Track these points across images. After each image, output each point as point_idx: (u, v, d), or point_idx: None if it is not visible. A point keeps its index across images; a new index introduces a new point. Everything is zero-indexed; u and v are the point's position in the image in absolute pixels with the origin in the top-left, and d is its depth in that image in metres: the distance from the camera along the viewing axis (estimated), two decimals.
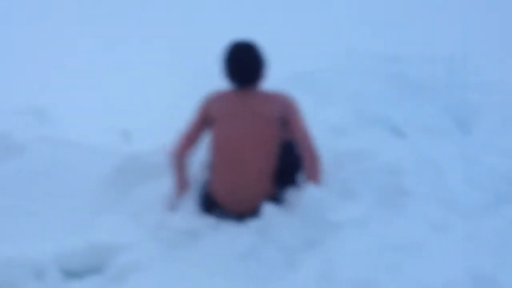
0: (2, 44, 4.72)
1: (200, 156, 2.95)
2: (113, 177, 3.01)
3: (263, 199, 2.70)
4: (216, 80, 3.13)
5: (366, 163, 2.94)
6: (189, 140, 2.85)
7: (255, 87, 2.82)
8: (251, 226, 2.63)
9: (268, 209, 2.61)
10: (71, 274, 2.47)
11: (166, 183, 2.97)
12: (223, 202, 2.75)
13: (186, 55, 4.49)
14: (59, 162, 3.05)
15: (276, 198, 2.75)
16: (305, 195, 2.59)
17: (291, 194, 2.74)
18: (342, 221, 2.49)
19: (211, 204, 2.78)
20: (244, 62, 2.79)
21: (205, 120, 2.83)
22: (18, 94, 3.63)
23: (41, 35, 5.01)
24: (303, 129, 2.76)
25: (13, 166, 3.01)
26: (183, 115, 3.27)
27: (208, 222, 2.73)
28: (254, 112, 2.74)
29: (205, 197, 2.80)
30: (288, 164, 2.83)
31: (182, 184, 2.84)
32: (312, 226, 2.51)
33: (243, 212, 2.73)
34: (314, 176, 2.70)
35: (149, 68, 4.23)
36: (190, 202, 2.81)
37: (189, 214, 2.76)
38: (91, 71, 4.18)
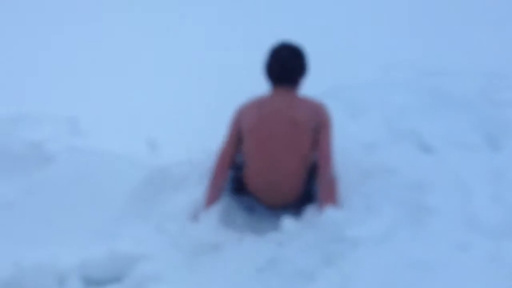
0: (31, 53, 4.85)
1: None
2: (140, 187, 3.06)
3: (296, 197, 2.81)
4: (246, 90, 3.17)
5: (391, 178, 2.91)
6: (226, 159, 2.91)
7: (292, 90, 2.84)
8: (271, 239, 2.63)
9: (288, 224, 2.62)
10: (92, 282, 2.52)
11: (191, 195, 3.01)
12: (256, 195, 2.85)
13: (216, 64, 4.53)
14: (88, 172, 3.10)
15: (309, 195, 2.81)
16: (325, 211, 2.59)
17: (310, 211, 2.73)
18: (362, 237, 2.47)
19: (242, 189, 2.90)
20: (286, 60, 2.84)
21: (238, 133, 2.88)
22: (49, 103, 3.72)
23: (69, 43, 5.13)
24: (326, 148, 2.76)
25: (44, 175, 3.08)
26: (210, 126, 3.34)
27: (230, 234, 2.75)
28: (289, 117, 2.76)
29: (237, 182, 2.92)
30: None
31: (213, 200, 2.89)
32: (332, 242, 2.49)
33: (274, 205, 2.84)
34: (329, 199, 2.69)
35: (177, 78, 4.28)
36: (214, 215, 2.84)
37: (212, 226, 2.78)
38: (119, 80, 4.26)
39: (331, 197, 2.69)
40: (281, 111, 2.77)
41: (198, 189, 3.02)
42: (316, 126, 2.77)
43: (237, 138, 2.88)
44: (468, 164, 3.03)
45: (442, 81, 4.45)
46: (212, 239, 2.70)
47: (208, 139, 3.35)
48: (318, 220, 2.60)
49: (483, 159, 3.10)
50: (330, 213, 2.58)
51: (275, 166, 2.78)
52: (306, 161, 2.79)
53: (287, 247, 2.55)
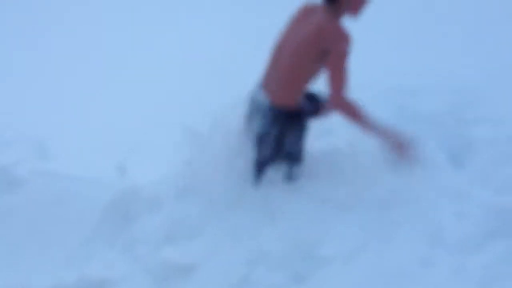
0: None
1: None
2: (109, 210, 3.05)
3: (283, 101, 2.84)
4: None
5: (358, 195, 2.96)
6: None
7: (329, 8, 2.79)
8: (243, 257, 2.65)
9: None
10: None
11: (161, 215, 3.01)
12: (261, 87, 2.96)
13: (188, 84, 4.54)
14: (56, 196, 3.09)
15: (295, 110, 2.86)
16: (294, 229, 2.63)
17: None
18: (331, 255, 2.53)
19: None
20: None
21: None
22: (16, 127, 3.69)
23: (35, 65, 5.09)
24: (330, 73, 2.73)
25: (12, 200, 3.06)
26: (181, 148, 3.35)
27: (202, 252, 2.75)
28: (308, 28, 2.77)
29: None
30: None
31: None
32: (301, 260, 2.54)
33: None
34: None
35: (147, 100, 4.28)
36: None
37: (184, 245, 2.79)
38: (89, 101, 4.25)
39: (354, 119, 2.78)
40: (305, 23, 2.82)
41: (168, 210, 3.03)
42: (322, 51, 2.73)
43: None
44: (432, 181, 3.10)
45: (407, 99, 4.54)
46: (183, 259, 2.71)
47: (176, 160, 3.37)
48: (288, 237, 2.64)
49: (447, 176, 3.18)
50: (299, 226, 2.61)
51: (278, 62, 2.87)
52: (304, 69, 2.80)
53: (258, 266, 2.57)
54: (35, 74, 4.86)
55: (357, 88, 4.66)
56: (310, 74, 2.85)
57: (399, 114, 4.22)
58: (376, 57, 5.34)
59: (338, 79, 2.73)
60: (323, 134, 3.88)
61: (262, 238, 2.72)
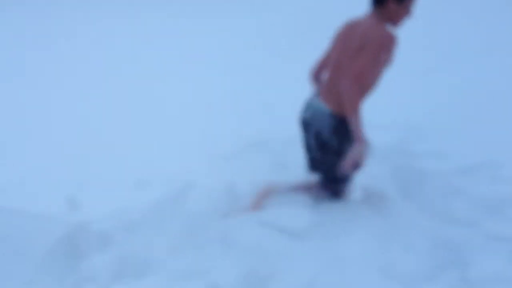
0: None
1: None
2: (57, 246, 2.94)
3: (334, 106, 2.96)
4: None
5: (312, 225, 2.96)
6: (322, 66, 3.28)
7: (375, 13, 2.90)
8: None
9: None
10: None
11: (112, 252, 2.94)
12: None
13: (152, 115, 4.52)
14: (3, 232, 2.99)
15: (340, 120, 2.95)
16: (247, 263, 2.60)
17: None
18: None
19: None
20: None
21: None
22: None
23: None
24: (355, 67, 2.79)
25: None
26: (133, 182, 3.31)
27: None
28: (359, 35, 2.86)
29: None
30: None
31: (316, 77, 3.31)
32: None
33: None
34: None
35: (94, 131, 4.24)
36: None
37: (134, 283, 2.72)
38: (37, 131, 4.17)
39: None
40: (355, 31, 2.92)
41: (118, 246, 2.96)
42: (361, 47, 2.81)
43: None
44: (383, 213, 3.14)
45: None
46: None
47: (129, 194, 3.33)
48: (241, 271, 2.61)
49: (395, 207, 3.23)
50: (253, 264, 2.58)
51: (335, 69, 2.98)
52: (356, 77, 2.82)
53: None
54: None
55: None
56: (362, 78, 2.87)
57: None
58: None
59: (358, 69, 2.79)
60: (280, 171, 3.92)
61: (215, 273, 2.68)
